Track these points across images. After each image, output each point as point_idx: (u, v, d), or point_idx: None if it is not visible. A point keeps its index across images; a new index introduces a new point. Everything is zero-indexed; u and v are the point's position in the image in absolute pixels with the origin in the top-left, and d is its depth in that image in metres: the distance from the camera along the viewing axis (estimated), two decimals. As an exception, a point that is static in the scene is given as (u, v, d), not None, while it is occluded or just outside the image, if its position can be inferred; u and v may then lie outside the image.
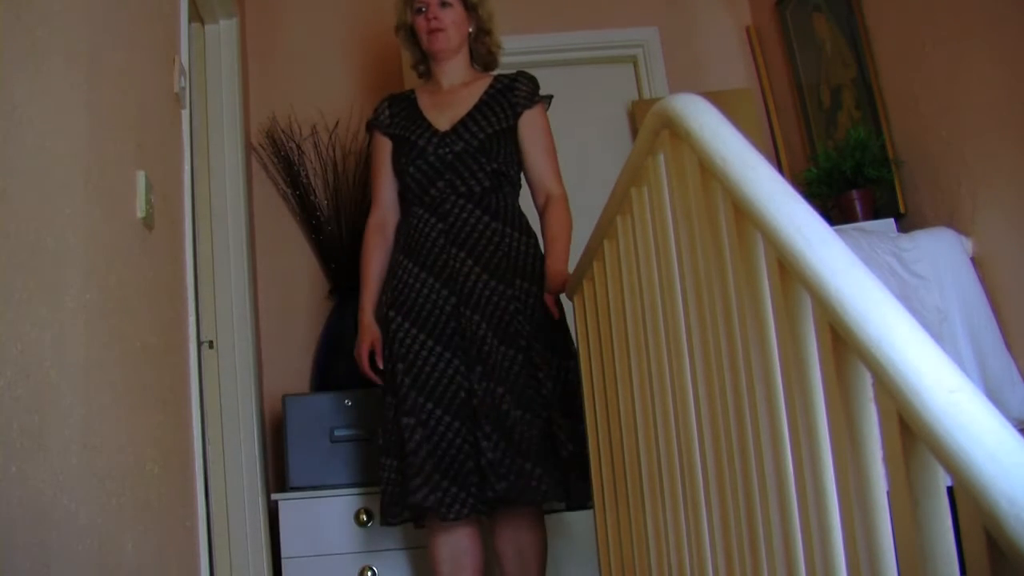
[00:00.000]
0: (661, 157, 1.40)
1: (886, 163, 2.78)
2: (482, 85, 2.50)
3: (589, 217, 1.95)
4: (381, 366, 2.35)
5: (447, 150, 2.39)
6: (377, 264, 2.47)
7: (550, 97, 2.52)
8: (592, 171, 3.09)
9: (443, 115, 2.47)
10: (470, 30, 2.52)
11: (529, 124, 2.44)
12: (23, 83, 1.23)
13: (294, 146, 3.28)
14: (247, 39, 3.39)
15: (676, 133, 1.26)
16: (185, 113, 2.09)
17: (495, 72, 2.58)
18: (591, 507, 2.17)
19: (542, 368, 2.22)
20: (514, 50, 3.47)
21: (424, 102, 2.54)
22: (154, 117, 1.88)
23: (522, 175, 2.49)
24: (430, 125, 2.46)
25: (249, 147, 3.26)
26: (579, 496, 2.21)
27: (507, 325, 2.24)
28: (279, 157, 3.28)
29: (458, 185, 2.37)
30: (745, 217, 1.07)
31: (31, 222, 1.22)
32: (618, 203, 1.70)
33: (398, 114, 2.54)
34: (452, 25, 2.47)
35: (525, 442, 2.17)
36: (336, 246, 3.17)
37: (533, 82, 2.51)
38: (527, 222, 2.42)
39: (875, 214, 2.79)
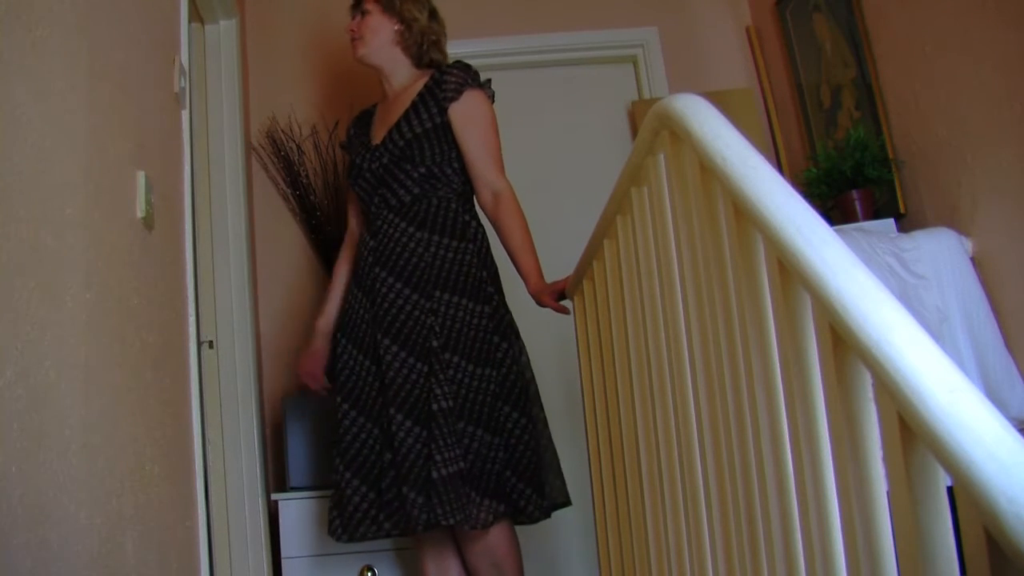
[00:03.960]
0: (661, 157, 1.40)
1: (886, 163, 2.78)
2: (418, 86, 2.37)
3: (589, 217, 1.95)
4: (319, 384, 2.51)
5: (377, 164, 2.33)
6: (341, 281, 2.55)
7: (487, 82, 2.37)
8: (592, 171, 3.09)
9: (382, 127, 2.40)
10: (396, 28, 2.41)
11: (459, 116, 2.29)
12: (23, 83, 1.23)
13: (294, 146, 3.28)
14: (247, 39, 3.39)
15: (676, 133, 1.26)
16: (185, 113, 2.09)
17: (441, 67, 2.42)
18: (485, 527, 2.09)
19: (444, 384, 2.13)
20: (514, 50, 3.50)
21: (376, 115, 2.50)
22: (154, 117, 1.88)
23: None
24: (368, 140, 2.43)
25: (249, 147, 3.26)
26: (467, 516, 2.06)
27: (417, 336, 2.18)
28: (279, 157, 3.28)
29: (389, 198, 2.32)
30: (745, 217, 1.07)
31: (31, 222, 1.22)
32: (618, 203, 1.70)
33: (356, 133, 2.52)
34: (369, 32, 2.40)
35: (409, 464, 2.11)
36: (336, 246, 3.16)
37: (464, 71, 2.34)
38: (463, 226, 2.30)
39: (875, 214, 2.79)
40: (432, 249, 2.25)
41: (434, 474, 2.07)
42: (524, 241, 2.28)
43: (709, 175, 1.17)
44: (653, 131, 1.39)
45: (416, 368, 2.17)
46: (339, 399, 2.29)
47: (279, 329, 3.20)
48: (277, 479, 2.98)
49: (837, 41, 3.07)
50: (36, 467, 1.16)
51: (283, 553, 2.67)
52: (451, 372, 2.15)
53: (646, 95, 3.49)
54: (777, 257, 0.99)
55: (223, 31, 3.13)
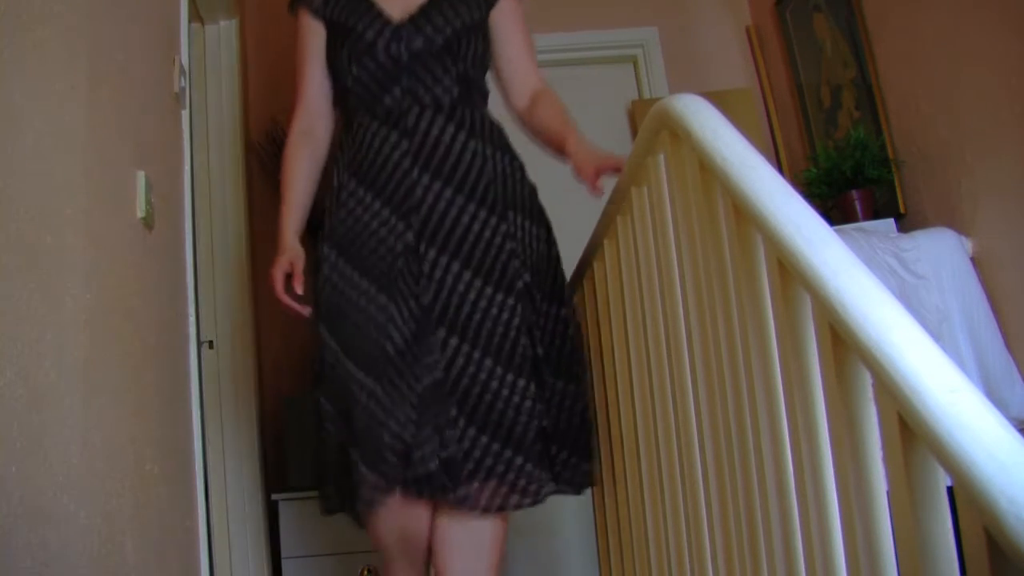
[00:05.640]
0: (661, 157, 1.40)
1: (886, 163, 2.78)
2: None
3: (589, 217, 1.95)
4: (300, 291, 1.82)
5: (402, 46, 1.88)
6: (302, 176, 1.99)
7: None
8: (592, 171, 3.08)
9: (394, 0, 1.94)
10: None
11: (506, 14, 2.00)
12: (23, 83, 1.23)
13: (294, 146, 3.28)
14: (247, 39, 3.39)
15: (676, 133, 1.27)
16: (185, 113, 2.09)
17: None
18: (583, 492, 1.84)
19: (543, 323, 1.80)
20: (514, 50, 3.49)
21: None
22: (154, 117, 1.88)
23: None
24: (379, 12, 1.92)
25: (249, 147, 3.26)
26: (573, 479, 1.79)
27: (502, 266, 1.78)
28: (279, 157, 3.28)
29: (421, 94, 1.87)
30: (745, 217, 1.07)
31: (31, 222, 1.22)
32: (618, 203, 1.70)
33: None
34: None
35: (513, 424, 1.69)
36: (336, 246, 3.17)
37: None
38: (508, 140, 1.96)
39: (875, 214, 2.79)
40: (492, 163, 1.87)
41: (544, 422, 1.73)
42: (566, 114, 1.98)
43: (709, 175, 1.17)
44: (653, 131, 1.39)
45: (507, 305, 1.75)
46: (325, 331, 1.80)
47: (279, 329, 3.20)
48: (277, 479, 2.98)
49: (837, 41, 3.07)
50: (36, 467, 1.16)
51: (283, 553, 2.67)
52: (539, 314, 1.81)
53: (646, 95, 3.49)
54: (777, 257, 0.99)
55: (223, 31, 3.13)
